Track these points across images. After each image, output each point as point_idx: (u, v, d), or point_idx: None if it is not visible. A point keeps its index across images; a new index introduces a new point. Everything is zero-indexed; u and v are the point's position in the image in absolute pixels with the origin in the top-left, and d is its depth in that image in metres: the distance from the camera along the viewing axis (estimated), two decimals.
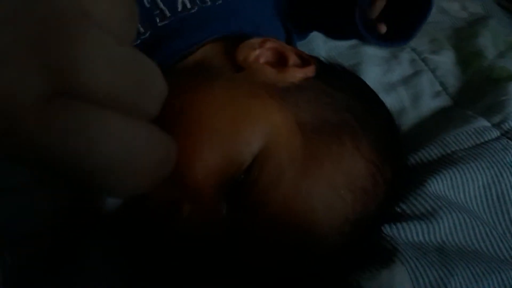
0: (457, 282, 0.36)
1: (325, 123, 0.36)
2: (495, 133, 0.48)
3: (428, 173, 0.43)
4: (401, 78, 0.60)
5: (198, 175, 0.32)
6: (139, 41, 0.40)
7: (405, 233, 0.39)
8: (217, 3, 0.44)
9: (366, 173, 0.36)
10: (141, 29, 0.41)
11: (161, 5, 0.41)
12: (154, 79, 0.21)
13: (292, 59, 0.40)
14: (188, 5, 0.42)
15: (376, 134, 0.38)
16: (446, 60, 0.62)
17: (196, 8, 0.43)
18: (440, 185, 0.42)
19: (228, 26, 0.44)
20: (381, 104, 0.44)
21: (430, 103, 0.57)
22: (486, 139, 0.47)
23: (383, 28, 0.51)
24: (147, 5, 0.41)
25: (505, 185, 0.43)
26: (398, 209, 0.41)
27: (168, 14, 0.42)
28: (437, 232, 0.39)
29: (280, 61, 0.40)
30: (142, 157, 0.19)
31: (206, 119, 0.34)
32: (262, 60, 0.39)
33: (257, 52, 0.39)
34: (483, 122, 0.50)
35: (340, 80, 0.42)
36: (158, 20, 0.42)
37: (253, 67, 0.38)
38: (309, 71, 0.39)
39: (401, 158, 0.44)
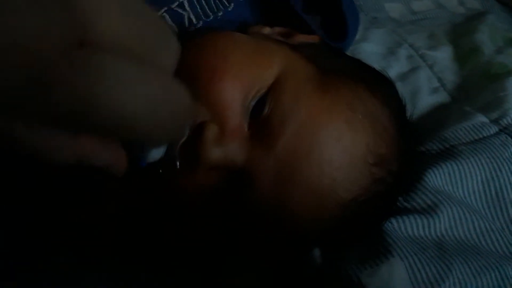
0: (455, 278, 0.36)
1: (338, 70, 0.38)
2: (494, 128, 0.48)
3: (427, 166, 0.43)
4: (399, 74, 0.60)
5: (225, 91, 0.34)
6: None
7: (405, 227, 0.39)
8: (218, 16, 0.45)
9: (383, 113, 0.37)
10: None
11: (170, 22, 0.42)
12: (168, 35, 0.21)
13: (298, 34, 0.44)
14: (194, 21, 0.44)
15: (387, 91, 0.40)
16: (444, 56, 0.62)
17: (201, 23, 0.44)
18: (439, 180, 0.42)
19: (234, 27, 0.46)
20: (385, 76, 0.45)
21: (428, 99, 0.56)
22: (485, 135, 0.47)
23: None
24: None
25: (504, 180, 0.43)
26: (398, 204, 0.41)
27: (176, 30, 0.43)
28: (437, 227, 0.39)
29: (288, 36, 0.44)
30: (161, 106, 0.20)
31: (230, 45, 0.37)
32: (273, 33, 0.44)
33: (268, 30, 0.44)
34: (482, 118, 0.50)
35: (343, 53, 0.45)
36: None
37: (266, 35, 0.43)
38: (315, 38, 0.44)
39: (409, 124, 0.44)
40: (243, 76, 0.34)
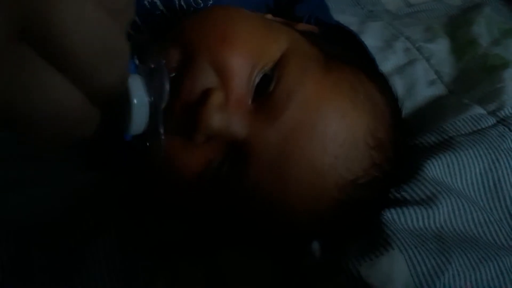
0: (454, 270, 0.36)
1: (339, 56, 0.39)
2: (491, 120, 0.48)
3: (425, 157, 0.43)
4: (396, 67, 0.60)
5: (234, 57, 0.34)
6: None
7: (404, 218, 0.39)
8: (209, 3, 0.45)
9: (381, 99, 0.38)
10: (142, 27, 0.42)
11: (161, 6, 0.42)
12: (118, 57, 0.21)
13: (299, 23, 0.44)
14: (185, 7, 0.44)
15: (383, 82, 0.41)
16: (441, 48, 0.62)
17: (191, 10, 0.44)
18: (437, 171, 0.42)
19: None
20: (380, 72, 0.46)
21: (425, 92, 0.56)
22: (483, 126, 0.47)
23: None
24: (148, 6, 0.42)
25: (502, 171, 0.44)
26: (397, 195, 0.41)
27: (167, 13, 0.42)
28: (436, 218, 0.39)
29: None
30: (62, 120, 0.20)
31: (240, 16, 0.38)
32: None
33: (270, 16, 0.44)
34: (479, 110, 0.50)
35: (345, 45, 0.46)
36: (158, 20, 0.43)
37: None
38: (314, 28, 0.45)
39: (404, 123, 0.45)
40: (252, 47, 0.34)
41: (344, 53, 0.41)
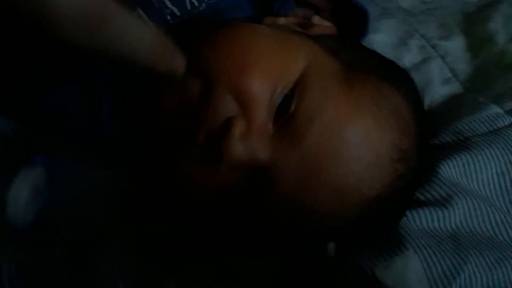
0: (470, 270, 0.36)
1: (361, 64, 0.38)
2: (508, 120, 0.47)
3: (441, 159, 0.43)
4: (411, 65, 0.59)
5: (253, 84, 0.33)
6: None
7: (419, 219, 0.39)
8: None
9: (406, 109, 0.37)
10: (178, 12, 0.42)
11: (169, 5, 0.42)
12: None
13: (315, 21, 0.44)
14: (196, 3, 0.43)
15: (409, 87, 0.40)
16: (456, 46, 0.61)
17: (203, 6, 0.44)
18: (453, 172, 0.42)
19: (239, 14, 0.45)
20: (405, 70, 0.45)
21: (440, 90, 0.56)
22: (499, 126, 0.47)
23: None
24: (157, 5, 0.42)
25: None
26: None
27: (178, 13, 0.42)
28: (452, 219, 0.39)
29: (305, 27, 0.43)
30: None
31: (257, 38, 0.37)
32: (290, 24, 0.43)
33: (283, 19, 0.43)
34: (495, 109, 0.49)
35: (362, 45, 0.45)
36: (169, 19, 0.42)
37: (283, 26, 0.42)
38: (332, 29, 0.44)
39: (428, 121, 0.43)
40: (271, 71, 0.34)
41: (364, 57, 0.40)
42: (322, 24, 0.44)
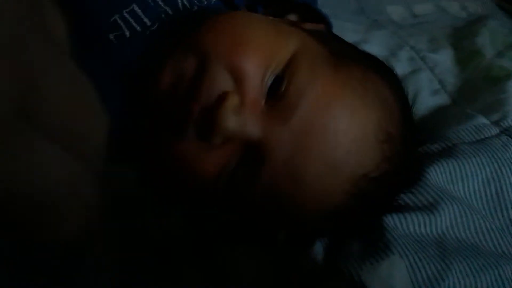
0: (454, 276, 0.36)
1: (347, 54, 0.40)
2: (495, 130, 0.48)
3: (428, 164, 0.43)
4: (400, 76, 0.60)
5: (249, 65, 0.35)
6: (148, 32, 0.42)
7: (406, 224, 0.39)
8: (212, 2, 0.45)
9: (391, 96, 0.39)
10: (148, 23, 0.42)
11: (162, 5, 0.43)
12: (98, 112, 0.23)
13: (306, 23, 0.46)
14: (188, 6, 0.44)
15: (393, 80, 0.42)
16: (445, 58, 0.62)
17: (195, 8, 0.44)
18: (440, 178, 0.42)
19: None
20: (390, 68, 0.46)
21: (429, 101, 0.57)
22: (486, 136, 0.47)
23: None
24: (152, 4, 0.42)
25: (504, 181, 0.44)
26: (400, 200, 0.41)
27: (171, 12, 0.43)
28: (438, 225, 0.39)
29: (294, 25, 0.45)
30: (63, 194, 0.20)
31: (251, 21, 0.40)
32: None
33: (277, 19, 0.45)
34: (482, 120, 0.50)
35: (351, 44, 0.47)
36: (164, 16, 0.43)
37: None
38: (321, 27, 0.46)
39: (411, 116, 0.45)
40: (264, 51, 0.36)
41: (352, 50, 0.42)
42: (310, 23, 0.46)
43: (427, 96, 0.57)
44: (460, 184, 0.43)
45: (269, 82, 0.35)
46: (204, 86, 0.34)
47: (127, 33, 0.41)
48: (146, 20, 0.42)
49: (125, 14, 0.41)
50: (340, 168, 0.35)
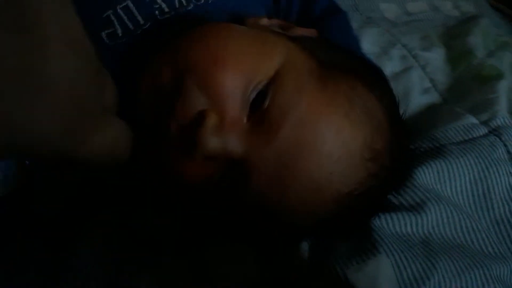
0: (440, 275, 0.36)
1: (337, 64, 0.38)
2: (483, 130, 0.48)
3: (416, 164, 0.43)
4: (392, 74, 0.60)
5: (227, 80, 0.34)
6: (139, 31, 0.41)
7: (392, 224, 0.39)
8: (210, 1, 0.45)
9: (379, 109, 0.37)
10: (141, 21, 0.41)
11: (159, 0, 0.42)
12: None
13: (297, 27, 0.44)
14: (184, 3, 0.44)
15: (384, 89, 0.40)
16: (436, 57, 0.62)
17: (191, 6, 0.44)
18: (427, 178, 0.42)
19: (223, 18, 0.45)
20: (383, 73, 0.46)
21: (419, 99, 0.57)
22: (474, 136, 0.47)
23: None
24: (147, 0, 0.42)
25: (491, 181, 0.44)
26: (387, 199, 0.41)
27: (166, 9, 0.43)
28: (424, 224, 0.39)
29: (286, 29, 0.44)
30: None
31: (232, 35, 0.37)
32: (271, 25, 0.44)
33: (265, 21, 0.44)
34: (471, 119, 0.50)
35: (343, 47, 0.45)
36: (158, 14, 0.43)
37: (263, 27, 0.43)
38: (313, 32, 0.44)
39: (403, 122, 0.44)
40: (244, 67, 0.35)
41: (342, 58, 0.40)
42: (302, 28, 0.45)
43: (418, 95, 0.57)
44: (447, 183, 0.43)
45: (252, 98, 0.34)
46: (179, 105, 0.33)
47: (119, 32, 0.41)
48: (139, 18, 0.42)
49: (118, 11, 0.41)
50: (323, 188, 0.34)
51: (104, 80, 0.25)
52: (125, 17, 0.41)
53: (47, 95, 0.20)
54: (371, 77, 0.40)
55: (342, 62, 0.39)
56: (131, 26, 0.41)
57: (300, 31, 0.43)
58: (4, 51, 0.19)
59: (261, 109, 0.34)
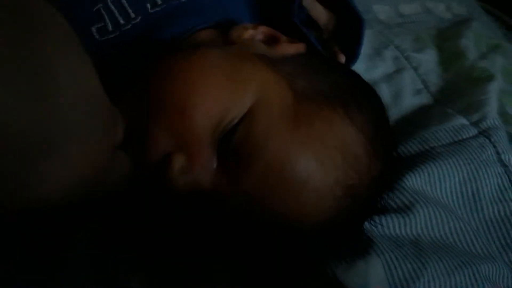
0: (429, 275, 0.37)
1: (318, 92, 0.37)
2: (473, 131, 0.49)
3: (406, 168, 0.43)
4: (384, 75, 0.60)
5: (194, 124, 0.33)
6: (130, 25, 0.41)
7: (382, 225, 0.39)
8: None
9: (358, 141, 0.36)
10: (132, 14, 0.41)
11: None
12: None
13: (284, 39, 0.41)
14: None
15: (370, 115, 0.38)
16: (428, 58, 0.63)
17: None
18: (417, 180, 0.43)
19: (216, 15, 0.44)
20: (375, 94, 0.43)
21: (411, 100, 0.57)
22: (464, 137, 0.48)
23: (342, 57, 0.50)
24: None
25: (480, 182, 0.44)
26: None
27: (159, 2, 0.42)
28: (413, 226, 0.40)
29: (271, 42, 0.41)
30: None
31: (202, 73, 0.35)
32: (255, 39, 0.41)
33: (251, 32, 0.41)
34: (462, 120, 0.50)
35: (333, 64, 0.44)
36: (149, 7, 0.42)
37: (246, 42, 0.40)
38: (300, 47, 0.41)
39: (393, 145, 0.43)
40: (214, 109, 0.34)
41: (326, 82, 0.38)
42: (289, 43, 0.42)
43: (410, 96, 0.58)
44: (437, 185, 0.43)
45: (221, 136, 0.34)
46: (147, 146, 0.33)
47: (110, 27, 0.40)
48: (130, 11, 0.41)
49: (109, 4, 0.40)
50: (290, 226, 0.34)
51: (115, 118, 0.26)
52: (115, 11, 0.40)
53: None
54: (355, 101, 0.37)
55: (324, 88, 0.37)
56: (121, 21, 0.40)
57: (286, 49, 0.40)
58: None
59: (231, 144, 0.34)
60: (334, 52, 0.49)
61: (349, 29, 0.50)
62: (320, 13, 0.50)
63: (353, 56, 0.50)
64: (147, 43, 0.41)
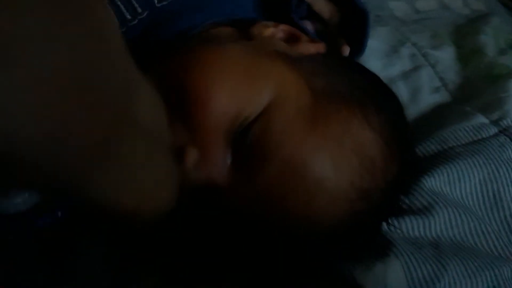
0: (450, 277, 0.36)
1: (336, 93, 0.36)
2: (493, 130, 0.48)
3: (425, 169, 0.43)
4: (401, 73, 0.60)
5: (209, 118, 0.33)
6: (136, 21, 0.40)
7: (401, 227, 0.39)
8: None
9: (375, 145, 0.35)
10: (139, 9, 0.41)
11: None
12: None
13: (304, 39, 0.41)
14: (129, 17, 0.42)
15: (388, 118, 0.37)
16: (446, 56, 0.62)
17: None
18: (437, 181, 0.42)
19: (224, 10, 0.44)
20: (394, 95, 0.42)
21: (429, 99, 0.56)
22: (484, 136, 0.47)
23: (346, 49, 0.49)
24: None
25: (501, 182, 0.44)
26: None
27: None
28: (432, 227, 0.39)
29: (291, 41, 0.41)
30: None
31: (222, 67, 0.35)
32: (275, 37, 0.41)
33: (272, 29, 0.41)
34: (481, 119, 0.50)
35: (353, 64, 0.43)
36: (156, 1, 0.42)
37: (266, 40, 0.40)
38: (320, 47, 0.41)
39: (411, 147, 0.42)
40: (231, 103, 0.33)
41: (345, 83, 0.38)
42: (310, 43, 0.42)
43: (427, 94, 0.57)
44: (457, 185, 0.43)
45: (237, 133, 0.33)
46: None
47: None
48: (136, 5, 0.40)
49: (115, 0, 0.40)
50: (304, 229, 0.34)
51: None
52: (122, 6, 0.40)
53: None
54: (374, 103, 0.37)
55: (342, 87, 0.37)
56: (128, 16, 0.40)
57: (307, 48, 0.40)
58: None
59: (245, 145, 0.33)
60: (339, 45, 0.49)
61: (354, 21, 0.49)
62: (323, 7, 0.50)
63: (360, 49, 0.50)
64: (154, 38, 0.41)
